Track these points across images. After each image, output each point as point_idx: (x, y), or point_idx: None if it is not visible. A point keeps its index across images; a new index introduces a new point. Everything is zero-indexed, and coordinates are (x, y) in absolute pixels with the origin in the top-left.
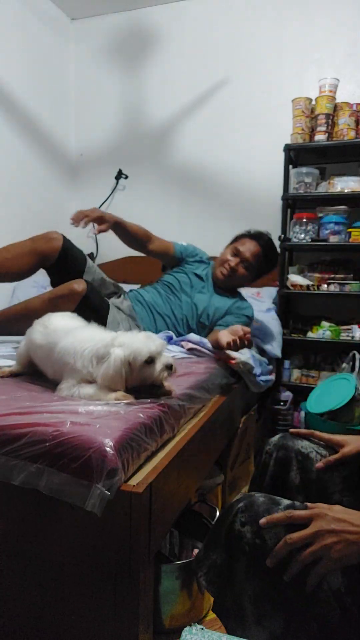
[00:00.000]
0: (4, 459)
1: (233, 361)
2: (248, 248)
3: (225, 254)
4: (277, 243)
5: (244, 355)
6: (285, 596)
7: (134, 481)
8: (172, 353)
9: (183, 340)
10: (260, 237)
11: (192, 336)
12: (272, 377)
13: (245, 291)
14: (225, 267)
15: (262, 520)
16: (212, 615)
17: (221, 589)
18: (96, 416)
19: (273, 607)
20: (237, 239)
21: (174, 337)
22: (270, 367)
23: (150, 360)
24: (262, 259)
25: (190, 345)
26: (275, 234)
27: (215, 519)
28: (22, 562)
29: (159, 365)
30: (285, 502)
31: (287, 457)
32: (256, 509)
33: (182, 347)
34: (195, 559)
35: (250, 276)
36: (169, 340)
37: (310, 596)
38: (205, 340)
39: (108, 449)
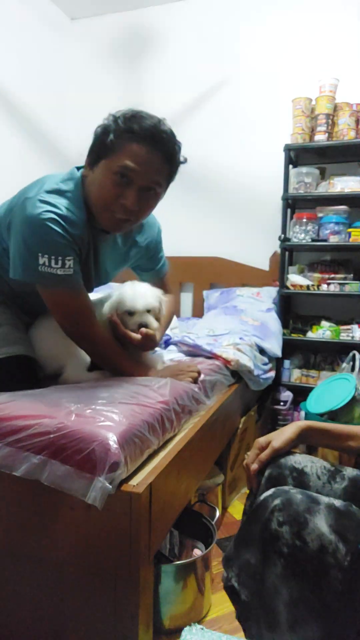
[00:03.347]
0: (7, 449)
1: (230, 362)
2: (151, 165)
3: (105, 182)
4: (277, 243)
5: (243, 357)
6: (325, 602)
7: (134, 481)
8: (171, 354)
9: (180, 342)
10: (158, 138)
11: (187, 340)
12: (272, 374)
13: (245, 291)
14: (119, 213)
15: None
16: (212, 615)
17: (254, 591)
18: (101, 410)
19: (310, 614)
20: (119, 138)
21: (172, 338)
22: (269, 365)
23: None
24: (168, 175)
25: (187, 348)
26: (275, 234)
27: (247, 514)
28: (22, 562)
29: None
30: (324, 499)
31: (280, 475)
32: (295, 508)
33: (180, 347)
34: (225, 556)
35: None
36: (167, 341)
37: (356, 604)
38: (200, 344)
39: (111, 442)
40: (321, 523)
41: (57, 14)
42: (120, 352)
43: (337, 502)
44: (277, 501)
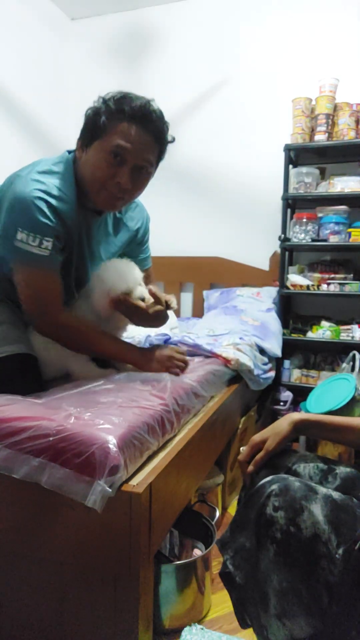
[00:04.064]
0: (7, 451)
1: (231, 362)
2: (142, 144)
3: (99, 162)
4: (277, 243)
5: (243, 357)
6: (315, 594)
7: (134, 481)
8: None
9: (179, 342)
10: (148, 117)
11: (187, 340)
12: (272, 374)
13: (245, 291)
14: (114, 191)
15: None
16: (212, 615)
17: (249, 574)
18: (100, 413)
19: (299, 607)
20: (110, 119)
21: (171, 337)
22: (269, 365)
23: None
24: (158, 155)
25: (187, 348)
26: (275, 234)
27: (243, 500)
28: (22, 562)
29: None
30: (323, 490)
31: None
32: (292, 495)
33: (180, 347)
34: (220, 540)
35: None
36: (167, 341)
37: (348, 602)
38: (200, 344)
39: (111, 446)
40: (317, 511)
41: (57, 14)
42: (98, 334)
43: (336, 494)
44: (274, 486)
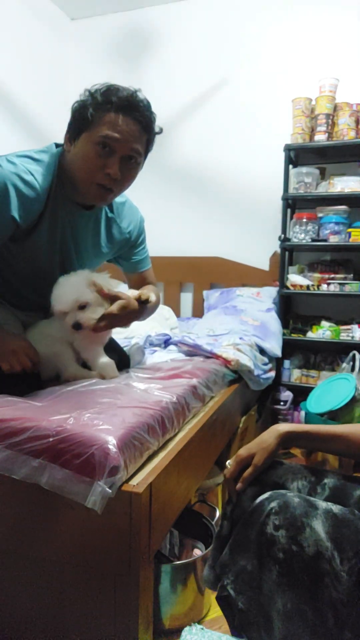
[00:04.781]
0: (7, 452)
1: (231, 362)
2: (130, 134)
3: (88, 154)
4: (277, 243)
5: (243, 357)
6: (321, 614)
7: (134, 481)
8: (171, 354)
9: (180, 342)
10: (135, 107)
11: (187, 340)
12: (272, 374)
13: (245, 291)
14: (104, 182)
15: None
16: (212, 615)
17: (252, 598)
18: (100, 414)
19: (305, 629)
20: (98, 110)
21: (172, 337)
22: (269, 365)
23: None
24: (146, 145)
25: (187, 348)
26: (275, 234)
27: (226, 519)
28: (22, 562)
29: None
30: (323, 504)
31: (261, 493)
32: (292, 512)
33: (180, 347)
34: (220, 563)
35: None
36: (167, 341)
37: (355, 623)
38: (200, 344)
39: (111, 446)
40: (319, 528)
41: (57, 14)
42: None
43: (336, 508)
44: (273, 504)
